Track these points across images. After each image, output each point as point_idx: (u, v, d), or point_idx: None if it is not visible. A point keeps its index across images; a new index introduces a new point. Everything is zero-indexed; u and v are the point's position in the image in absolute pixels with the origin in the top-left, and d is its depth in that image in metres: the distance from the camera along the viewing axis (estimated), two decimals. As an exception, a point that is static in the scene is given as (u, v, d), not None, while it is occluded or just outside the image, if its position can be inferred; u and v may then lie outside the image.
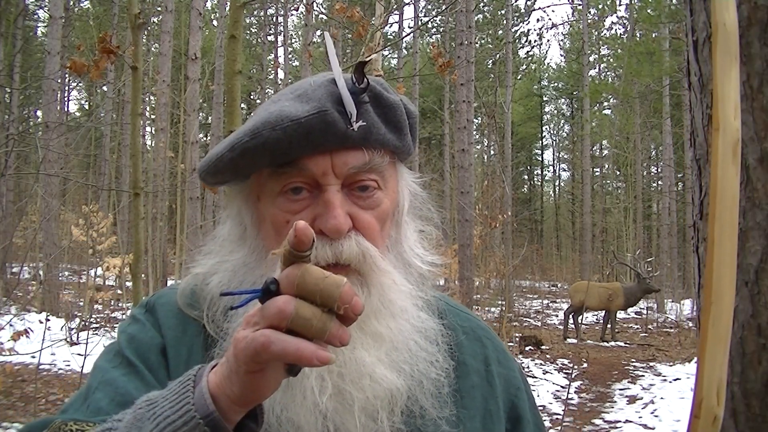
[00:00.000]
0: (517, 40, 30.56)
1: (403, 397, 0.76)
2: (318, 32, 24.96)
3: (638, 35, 22.64)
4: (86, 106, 31.84)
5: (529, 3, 29.85)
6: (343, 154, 0.75)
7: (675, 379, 7.83)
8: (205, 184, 0.86)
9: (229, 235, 0.86)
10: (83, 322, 9.67)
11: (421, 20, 23.39)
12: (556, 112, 41.97)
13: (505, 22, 25.67)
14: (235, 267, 0.82)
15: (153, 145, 17.56)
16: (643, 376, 8.39)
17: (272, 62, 28.57)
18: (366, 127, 0.75)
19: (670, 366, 8.80)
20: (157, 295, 0.91)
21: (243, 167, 0.79)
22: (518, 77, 33.81)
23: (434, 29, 29.07)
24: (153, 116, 19.15)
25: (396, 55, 28.08)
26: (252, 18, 29.39)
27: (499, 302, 14.10)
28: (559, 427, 6.12)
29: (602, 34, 29.49)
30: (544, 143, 41.14)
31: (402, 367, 0.76)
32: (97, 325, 10.66)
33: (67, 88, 24.93)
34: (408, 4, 25.09)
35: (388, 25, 24.65)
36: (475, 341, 0.92)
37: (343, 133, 0.74)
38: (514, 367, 0.95)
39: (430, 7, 26.97)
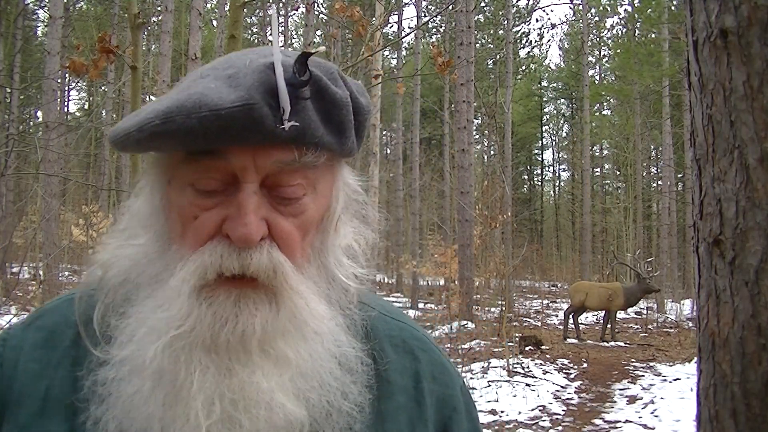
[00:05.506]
0: (517, 41, 30.58)
1: (305, 430, 0.67)
2: (318, 32, 24.97)
3: (638, 36, 22.66)
4: (86, 106, 31.86)
5: (530, 3, 29.88)
6: (268, 148, 0.65)
7: (675, 379, 7.83)
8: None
9: (138, 212, 0.74)
10: (83, 322, 9.66)
11: (421, 20, 23.41)
12: (555, 112, 42.04)
13: (505, 22, 25.68)
14: (136, 255, 0.72)
15: (153, 145, 17.54)
16: (643, 376, 8.39)
17: (272, 62, 28.51)
18: (299, 128, 0.64)
19: (670, 366, 8.80)
20: (34, 316, 0.79)
21: (153, 149, 0.68)
22: (518, 77, 33.85)
23: (434, 29, 29.09)
24: (153, 116, 19.08)
25: (396, 56, 28.09)
26: (252, 18, 29.39)
27: (499, 302, 14.10)
28: (559, 427, 6.12)
29: (602, 35, 29.53)
30: (544, 143, 41.20)
31: (308, 397, 0.68)
32: (97, 325, 10.65)
33: (67, 88, 24.96)
34: (408, 4, 25.13)
35: (388, 25, 24.67)
36: (405, 354, 0.80)
37: (270, 131, 0.63)
38: (454, 385, 0.82)
39: (431, 7, 26.97)
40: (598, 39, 29.61)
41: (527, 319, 15.75)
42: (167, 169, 0.70)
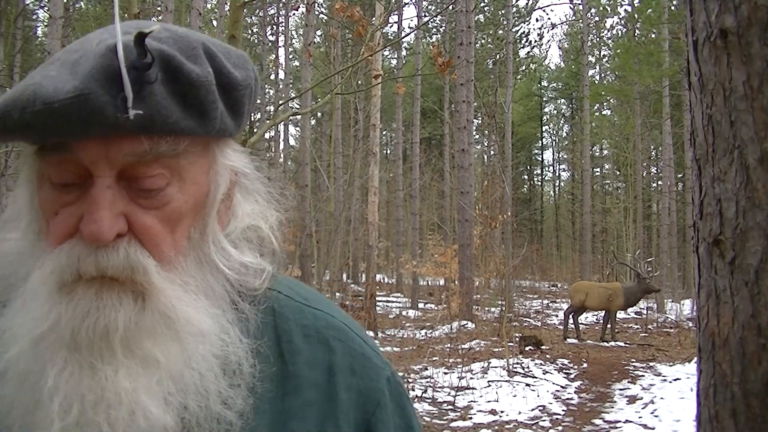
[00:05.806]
0: (517, 41, 30.61)
1: None
2: (318, 32, 24.97)
3: (638, 36, 22.69)
4: (86, 106, 31.89)
5: (530, 3, 29.91)
6: (119, 139, 0.59)
7: (675, 379, 7.83)
8: None
9: (16, 205, 0.68)
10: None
11: (421, 20, 23.43)
12: (555, 112, 42.11)
13: (505, 22, 25.70)
14: (11, 251, 0.67)
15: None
16: (643, 376, 8.39)
17: (272, 62, 28.59)
18: (146, 115, 0.58)
19: (670, 366, 8.80)
20: None
21: (2, 142, 0.65)
22: (518, 77, 33.89)
23: (434, 29, 29.12)
24: (153, 116, 19.12)
25: (396, 56, 28.10)
26: (252, 18, 29.41)
27: (499, 302, 14.12)
28: (559, 427, 6.13)
29: (602, 35, 29.57)
30: (544, 143, 41.26)
31: (180, 401, 0.62)
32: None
33: (67, 88, 24.93)
34: (408, 4, 25.15)
35: (388, 25, 24.70)
36: (319, 345, 0.73)
37: (112, 122, 0.57)
38: (378, 377, 0.75)
39: (431, 7, 27.00)
40: (598, 39, 29.65)
41: (527, 319, 15.75)
42: (32, 162, 0.65)
